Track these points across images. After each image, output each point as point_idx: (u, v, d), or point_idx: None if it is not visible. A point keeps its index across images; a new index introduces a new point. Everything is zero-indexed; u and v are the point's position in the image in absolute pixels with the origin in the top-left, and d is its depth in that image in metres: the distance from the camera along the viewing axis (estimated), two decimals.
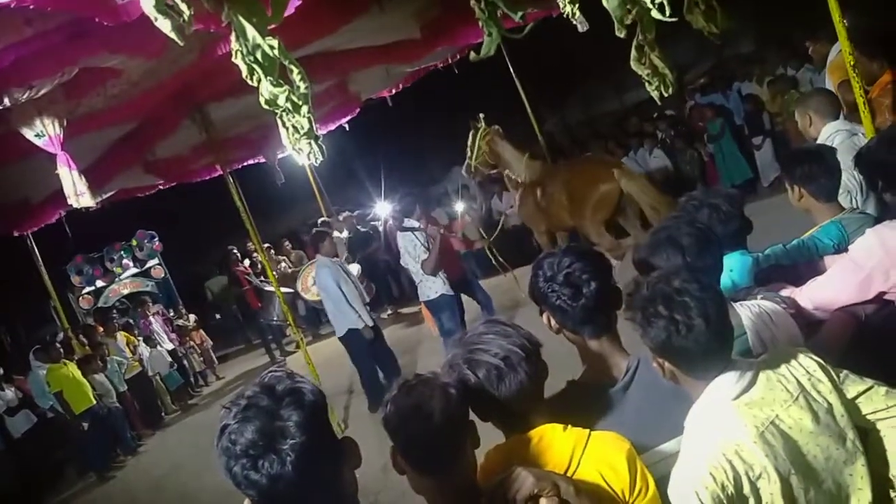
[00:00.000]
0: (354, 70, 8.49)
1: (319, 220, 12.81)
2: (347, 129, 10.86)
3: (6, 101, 4.23)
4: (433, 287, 7.21)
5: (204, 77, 6.38)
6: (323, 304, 7.84)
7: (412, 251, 7.19)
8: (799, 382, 1.83)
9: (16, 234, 9.20)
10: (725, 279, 2.77)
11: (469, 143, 8.63)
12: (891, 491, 1.88)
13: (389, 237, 12.69)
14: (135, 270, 15.45)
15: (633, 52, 2.71)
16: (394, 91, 10.68)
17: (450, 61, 9.88)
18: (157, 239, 15.54)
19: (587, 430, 1.87)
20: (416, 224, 7.36)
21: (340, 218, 13.02)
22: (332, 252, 7.75)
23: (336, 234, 11.86)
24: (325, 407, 1.52)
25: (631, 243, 7.57)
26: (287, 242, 14.51)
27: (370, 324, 7.52)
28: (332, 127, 10.46)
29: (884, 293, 2.35)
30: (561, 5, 2.53)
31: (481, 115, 8.54)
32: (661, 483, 1.85)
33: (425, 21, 7.71)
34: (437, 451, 1.72)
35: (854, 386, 1.89)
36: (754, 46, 14.97)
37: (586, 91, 18.69)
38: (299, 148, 2.48)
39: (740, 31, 14.57)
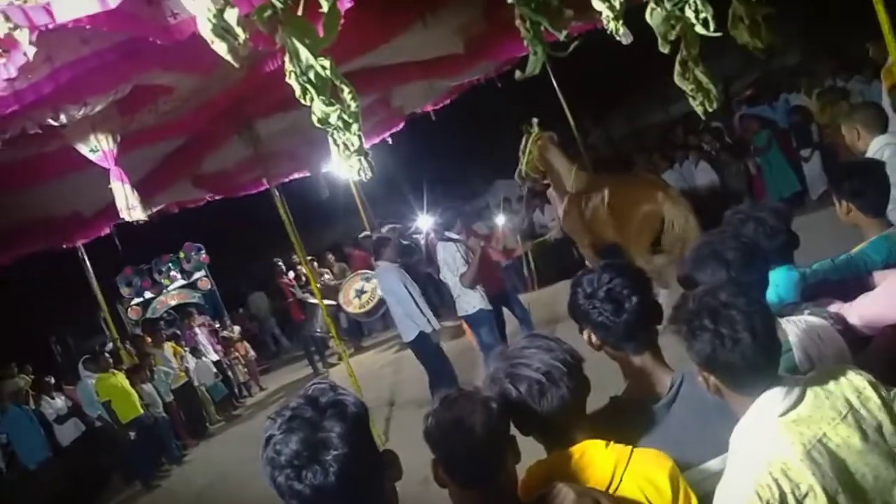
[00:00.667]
0: (397, 85, 8.57)
1: (360, 235, 12.92)
2: (391, 142, 10.96)
3: (63, 118, 4.35)
4: (471, 302, 7.19)
5: (252, 93, 6.50)
6: (390, 309, 7.56)
7: (451, 264, 7.17)
8: (847, 400, 1.80)
9: (66, 245, 9.41)
10: (771, 294, 2.73)
11: (521, 148, 8.54)
12: None
13: (431, 250, 12.75)
14: (182, 282, 15.76)
15: (677, 68, 2.70)
16: (438, 105, 10.74)
17: (492, 74, 9.91)
18: (203, 251, 15.83)
19: (629, 447, 1.86)
20: (455, 236, 7.36)
21: (384, 231, 13.11)
22: (394, 258, 7.60)
23: None
24: (367, 419, 1.54)
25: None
26: (330, 255, 14.67)
27: (438, 327, 7.40)
28: (376, 140, 10.56)
29: None
30: (605, 22, 2.54)
31: (535, 120, 8.41)
32: (705, 501, 1.83)
33: (469, 36, 7.75)
34: (479, 465, 1.73)
35: None
36: (801, 58, 14.75)
37: (631, 103, 18.58)
38: (350, 165, 2.54)
39: (787, 42, 14.37)
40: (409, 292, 7.24)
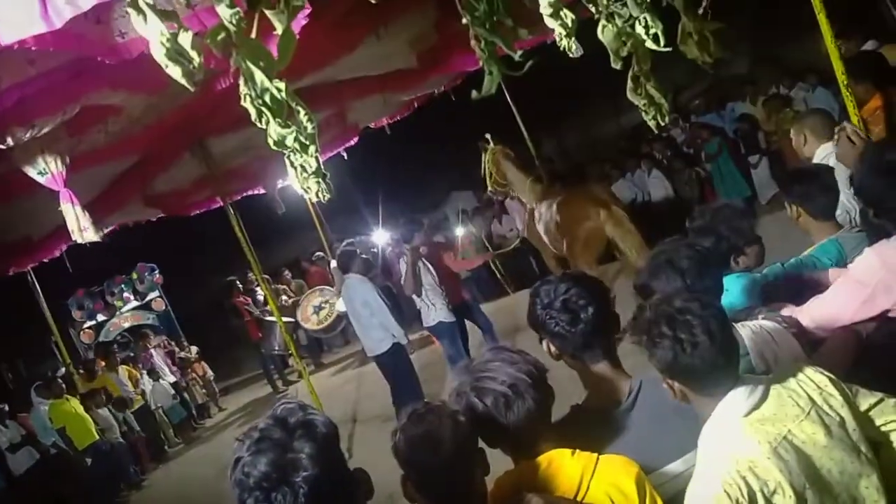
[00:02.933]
0: (352, 99, 8.55)
1: (315, 253, 12.83)
2: (346, 157, 10.93)
3: (9, 140, 4.26)
4: (431, 314, 7.21)
5: (204, 111, 6.44)
6: (359, 322, 7.31)
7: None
8: (810, 397, 1.85)
9: (12, 272, 9.17)
10: (724, 300, 2.80)
11: (482, 166, 8.57)
12: None
13: (388, 263, 12.74)
14: (136, 303, 15.44)
15: (630, 83, 2.76)
16: (392, 119, 10.76)
17: (445, 88, 9.97)
18: (157, 272, 15.56)
19: (595, 455, 1.88)
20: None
21: (343, 246, 13.04)
22: (363, 270, 7.55)
23: (335, 263, 11.89)
24: (337, 439, 1.53)
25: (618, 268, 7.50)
26: (287, 272, 14.53)
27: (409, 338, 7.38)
28: (331, 155, 10.52)
29: (887, 311, 2.37)
30: (558, 40, 2.58)
31: (488, 136, 8.44)
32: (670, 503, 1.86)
33: (421, 49, 7.78)
34: (448, 479, 1.74)
35: (865, 399, 1.92)
36: (748, 67, 15.10)
37: (584, 114, 18.79)
38: (308, 187, 2.52)
39: (734, 52, 14.70)
40: (385, 302, 7.22)
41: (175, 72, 2.13)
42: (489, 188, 8.63)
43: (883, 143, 3.06)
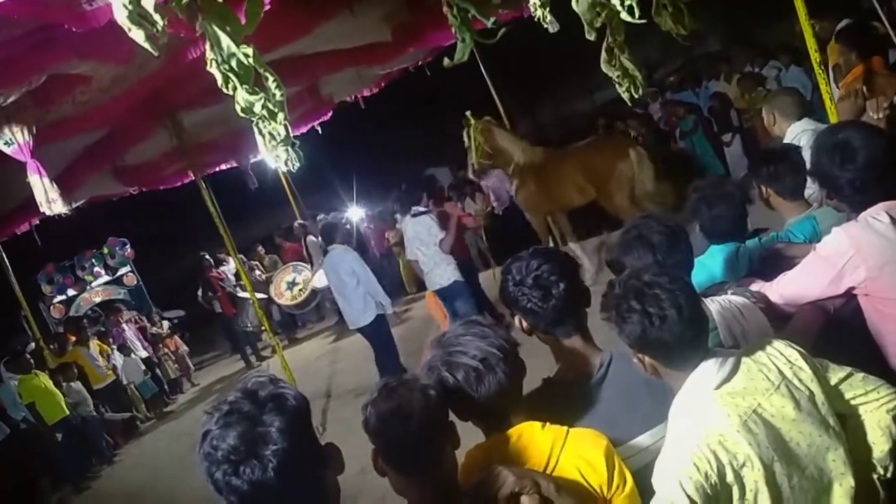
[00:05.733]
0: (326, 73, 8.48)
1: (296, 223, 12.78)
2: (320, 132, 10.84)
3: None
4: (444, 274, 7.15)
5: (174, 83, 6.34)
6: (343, 293, 7.18)
7: (425, 236, 7.12)
8: (780, 371, 1.87)
9: None
10: (707, 270, 2.85)
11: (466, 142, 8.60)
12: (873, 474, 1.93)
13: (364, 238, 12.70)
14: (107, 278, 15.29)
15: (604, 55, 2.75)
16: (367, 93, 10.68)
17: (420, 63, 9.90)
18: (128, 246, 15.39)
19: (565, 428, 1.90)
20: (423, 209, 7.35)
21: (317, 220, 12.99)
22: (347, 240, 7.48)
23: (311, 237, 11.83)
24: (308, 412, 1.52)
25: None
26: (261, 247, 14.44)
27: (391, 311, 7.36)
28: (304, 130, 10.44)
29: (853, 288, 2.41)
30: (532, 10, 2.56)
31: (468, 113, 8.50)
32: (638, 476, 1.88)
33: (396, 24, 7.73)
34: (418, 452, 1.74)
35: (834, 374, 1.94)
36: (721, 45, 15.16)
37: (558, 90, 18.79)
38: (276, 155, 2.49)
39: (708, 30, 14.75)
40: (370, 271, 7.17)
41: (138, 35, 2.08)
42: (475, 162, 8.65)
43: (835, 124, 3.09)
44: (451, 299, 7.28)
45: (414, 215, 7.33)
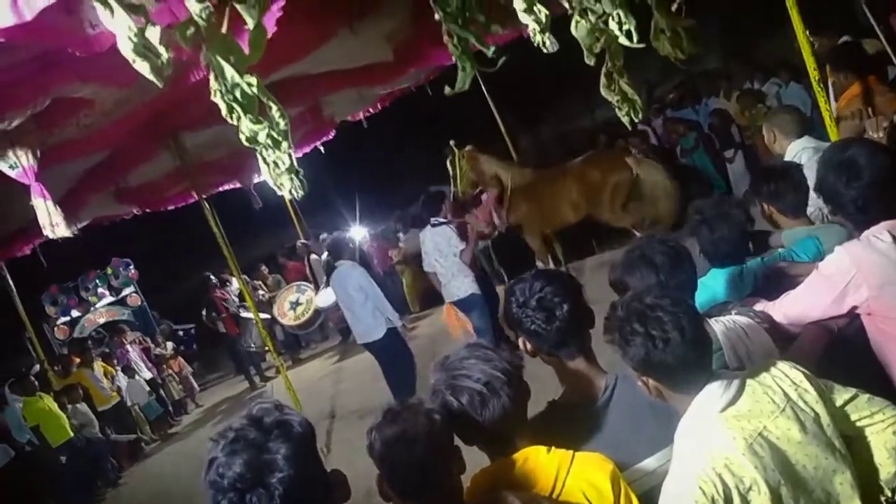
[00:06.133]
0: (327, 93, 8.51)
1: (299, 242, 12.80)
2: (323, 151, 10.88)
3: None
4: (462, 287, 7.08)
5: (177, 105, 6.37)
6: (351, 309, 7.10)
7: (445, 247, 7.07)
8: (785, 393, 1.86)
9: None
10: (709, 293, 2.84)
11: (450, 171, 8.64)
12: (881, 497, 1.90)
13: (367, 257, 12.69)
14: (110, 299, 15.29)
15: (603, 80, 2.77)
16: (369, 113, 10.71)
17: (423, 82, 9.94)
18: (132, 267, 15.40)
19: (571, 452, 1.89)
20: (443, 220, 7.28)
21: (321, 239, 13.00)
22: (354, 256, 7.40)
23: (314, 257, 11.84)
24: (313, 439, 1.52)
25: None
26: (264, 267, 14.45)
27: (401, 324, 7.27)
28: (307, 150, 10.47)
29: (855, 307, 2.40)
30: (532, 35, 2.58)
31: (452, 142, 8.65)
32: (644, 500, 1.87)
33: (397, 43, 7.76)
34: (423, 478, 1.74)
35: (840, 395, 1.93)
36: (720, 62, 15.21)
37: (559, 107, 18.84)
38: (281, 183, 2.50)
39: (706, 48, 14.79)
40: (377, 286, 7.12)
41: (143, 67, 2.09)
42: (460, 192, 8.69)
43: (841, 141, 3.09)
44: (467, 312, 7.21)
45: (434, 225, 7.25)
